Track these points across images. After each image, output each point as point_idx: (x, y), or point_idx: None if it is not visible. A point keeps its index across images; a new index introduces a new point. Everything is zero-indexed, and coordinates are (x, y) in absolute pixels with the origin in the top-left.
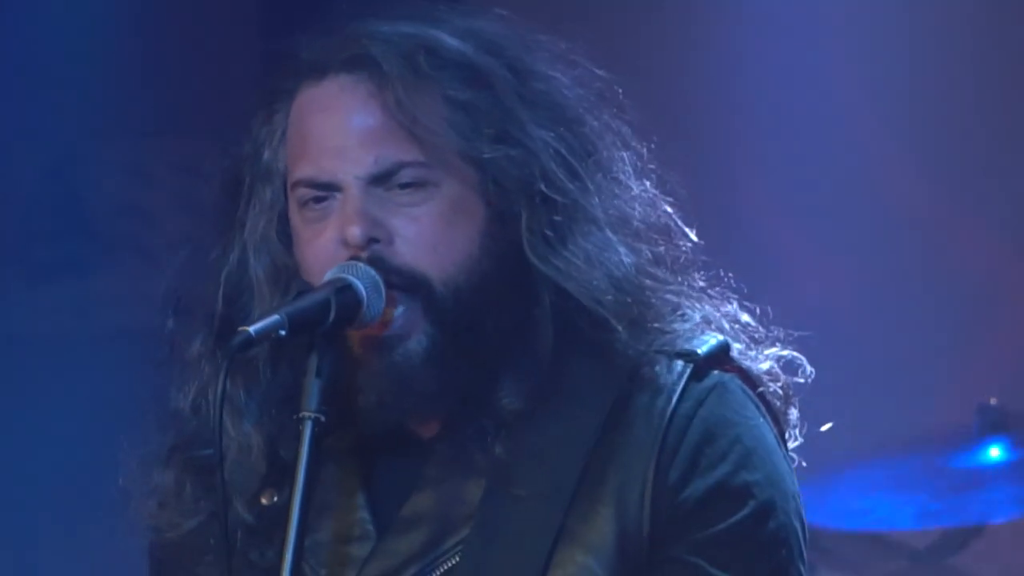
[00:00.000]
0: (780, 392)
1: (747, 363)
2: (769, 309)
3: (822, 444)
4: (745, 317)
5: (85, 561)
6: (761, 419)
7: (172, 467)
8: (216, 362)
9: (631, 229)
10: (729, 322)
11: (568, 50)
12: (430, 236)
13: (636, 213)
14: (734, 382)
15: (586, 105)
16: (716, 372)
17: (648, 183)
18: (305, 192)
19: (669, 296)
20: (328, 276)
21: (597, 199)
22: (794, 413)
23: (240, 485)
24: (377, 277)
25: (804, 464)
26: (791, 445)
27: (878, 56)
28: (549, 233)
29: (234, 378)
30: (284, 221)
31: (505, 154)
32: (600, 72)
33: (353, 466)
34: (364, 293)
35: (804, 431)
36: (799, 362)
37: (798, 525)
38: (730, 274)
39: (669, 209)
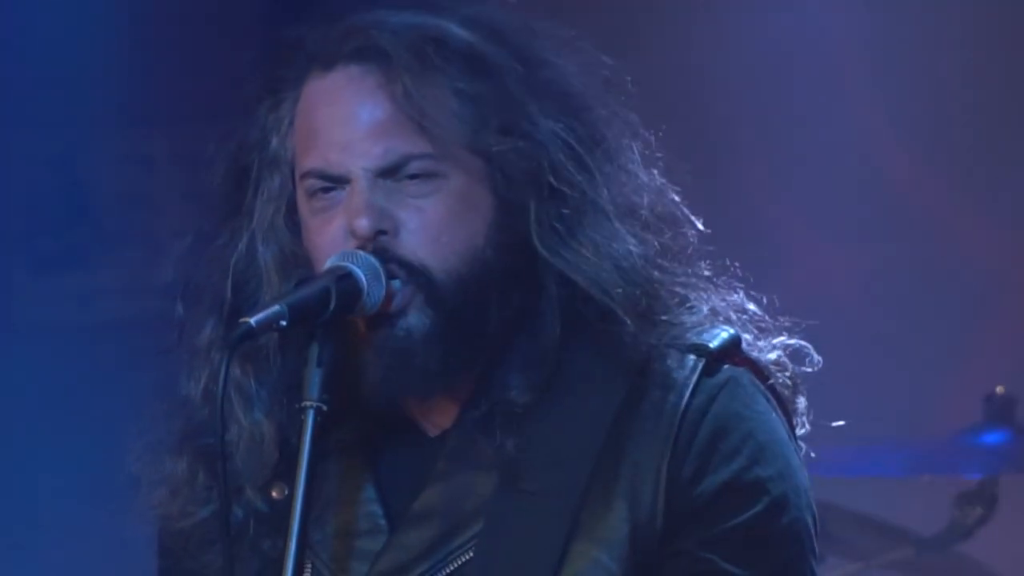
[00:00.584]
0: (789, 382)
1: (756, 355)
2: (776, 299)
3: (829, 436)
4: (752, 307)
5: (88, 551)
6: (773, 413)
7: (184, 455)
8: (223, 351)
9: (639, 219)
10: (736, 312)
11: (574, 37)
12: (435, 227)
13: (644, 202)
14: (746, 376)
15: (593, 93)
16: (728, 367)
17: (656, 171)
18: (313, 183)
19: (677, 288)
20: (328, 264)
21: (606, 190)
22: (802, 402)
23: (252, 474)
24: (377, 264)
25: (813, 455)
26: (799, 432)
27: (887, 51)
28: (557, 225)
29: (244, 366)
30: (292, 209)
31: (513, 146)
32: (607, 59)
33: (362, 460)
34: (364, 281)
35: (811, 418)
36: (807, 351)
37: (810, 519)
38: (736, 263)
39: (676, 198)
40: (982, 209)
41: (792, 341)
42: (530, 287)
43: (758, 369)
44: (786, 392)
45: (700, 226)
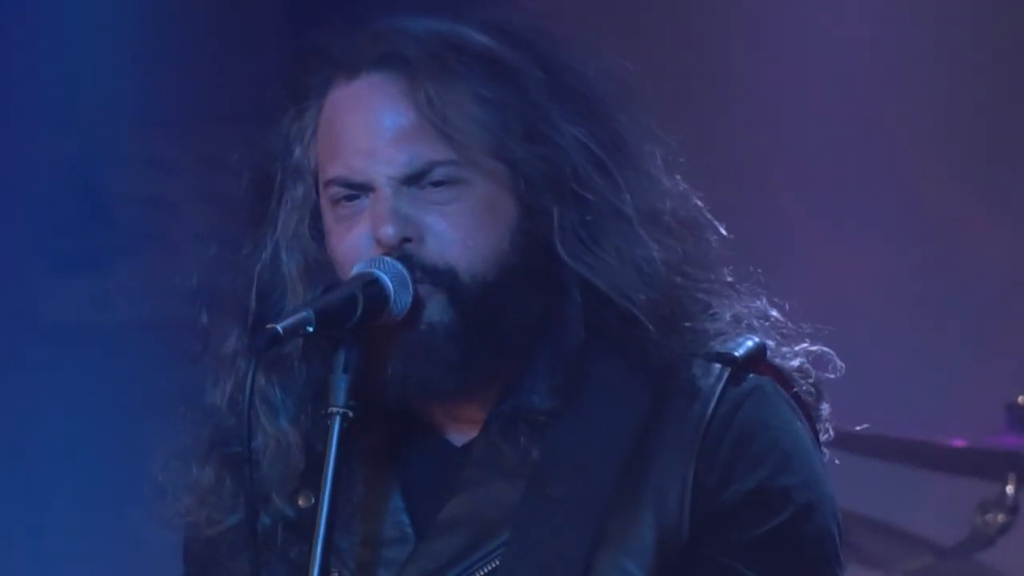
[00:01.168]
0: (812, 390)
1: (780, 362)
2: (797, 305)
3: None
4: (774, 313)
5: (107, 554)
6: (798, 422)
7: (210, 463)
8: (249, 358)
9: (662, 225)
10: (759, 319)
11: (594, 41)
12: (460, 233)
13: (667, 208)
14: (770, 385)
15: (615, 98)
16: (753, 375)
17: (678, 176)
18: (337, 191)
19: (700, 294)
20: (355, 271)
21: (628, 195)
22: (825, 408)
23: (279, 481)
24: (404, 271)
25: (837, 462)
26: (822, 439)
27: (905, 53)
28: (580, 230)
29: (268, 375)
30: (316, 218)
31: (536, 152)
32: (628, 64)
33: (389, 469)
34: (391, 287)
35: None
36: (829, 357)
37: (835, 528)
38: (759, 269)
39: (699, 203)
40: (1004, 213)
41: (815, 347)
42: (553, 292)
43: (782, 377)
44: (810, 399)
45: (723, 231)
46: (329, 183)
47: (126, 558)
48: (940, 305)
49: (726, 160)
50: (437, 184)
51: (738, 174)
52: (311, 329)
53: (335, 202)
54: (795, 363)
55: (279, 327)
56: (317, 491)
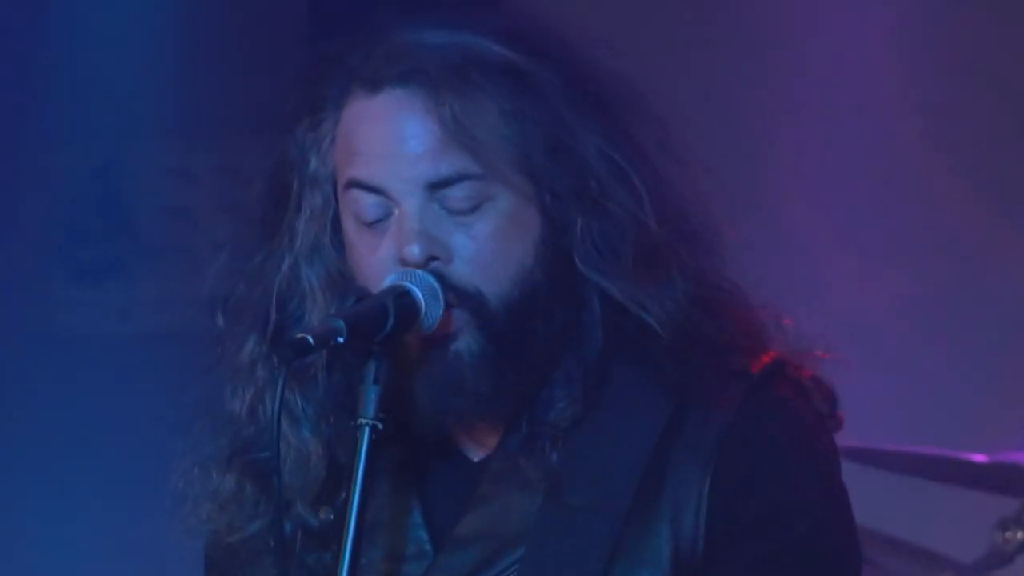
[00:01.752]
0: (828, 402)
1: (796, 374)
2: (813, 317)
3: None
4: (789, 323)
5: (127, 561)
6: (815, 436)
7: (231, 471)
8: (271, 367)
9: (678, 231)
10: (775, 328)
11: (605, 43)
12: (487, 253)
13: (683, 213)
14: (788, 399)
15: (631, 101)
16: (771, 389)
17: (694, 179)
18: (359, 196)
19: (715, 302)
20: (387, 283)
21: (647, 203)
22: (840, 416)
23: (300, 490)
24: (435, 284)
25: (856, 478)
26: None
27: (921, 63)
28: (599, 240)
29: (290, 384)
30: (337, 228)
31: (559, 164)
32: (638, 68)
33: (408, 482)
34: (423, 300)
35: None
36: (844, 368)
37: (853, 542)
38: (771, 275)
39: (714, 209)
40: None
41: (830, 357)
42: (574, 302)
43: (800, 391)
44: (826, 411)
45: (736, 236)
46: (349, 185)
47: (145, 566)
48: (960, 321)
49: (741, 177)
50: (462, 201)
51: (753, 192)
52: (341, 340)
53: (357, 218)
54: (811, 375)
55: (309, 337)
56: (337, 501)
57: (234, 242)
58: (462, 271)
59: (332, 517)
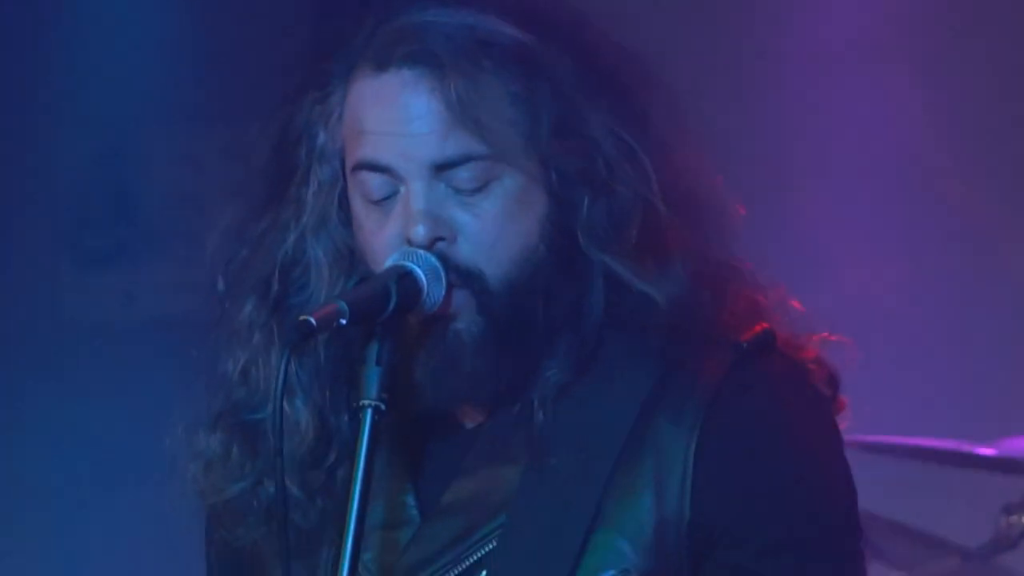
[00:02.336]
0: (828, 380)
1: (793, 351)
2: (821, 303)
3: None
4: (793, 303)
5: (130, 544)
6: (808, 409)
7: (219, 431)
8: (269, 332)
9: (685, 209)
10: (777, 307)
11: (614, 23)
12: (492, 233)
13: (690, 191)
14: (780, 372)
15: (641, 81)
16: (761, 361)
17: (702, 159)
18: (366, 176)
19: (718, 280)
20: (388, 263)
21: (655, 181)
22: (842, 400)
23: (288, 455)
24: (437, 264)
25: (861, 466)
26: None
27: (932, 57)
28: (605, 219)
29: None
30: (344, 203)
31: (566, 145)
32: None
33: (402, 454)
34: (424, 280)
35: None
36: (846, 348)
37: (853, 515)
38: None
39: (722, 186)
40: None
41: (833, 338)
42: (576, 281)
43: (794, 365)
44: (825, 389)
45: (744, 213)
46: (357, 168)
47: (151, 549)
48: (968, 311)
49: (753, 164)
50: (468, 181)
51: (765, 179)
52: (344, 322)
53: (365, 196)
54: (811, 354)
55: (312, 319)
56: (325, 464)
57: (236, 213)
58: (466, 251)
59: (319, 482)
